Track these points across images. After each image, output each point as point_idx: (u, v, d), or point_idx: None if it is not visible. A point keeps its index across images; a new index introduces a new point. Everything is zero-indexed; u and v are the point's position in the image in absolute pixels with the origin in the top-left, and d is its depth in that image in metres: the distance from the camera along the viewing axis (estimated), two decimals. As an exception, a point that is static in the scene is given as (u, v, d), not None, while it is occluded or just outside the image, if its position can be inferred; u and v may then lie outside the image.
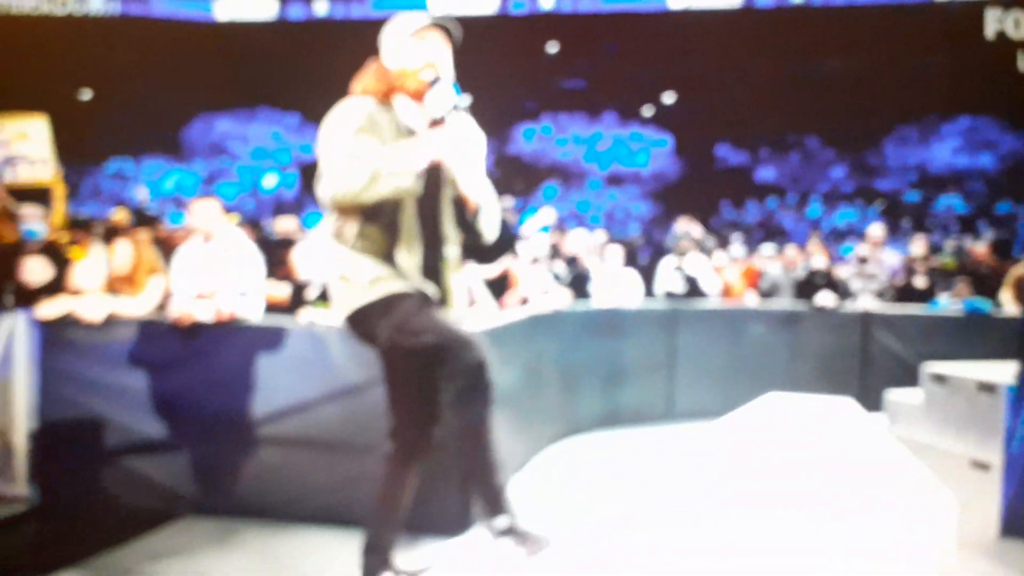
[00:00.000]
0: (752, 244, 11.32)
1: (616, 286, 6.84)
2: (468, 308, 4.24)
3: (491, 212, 2.69)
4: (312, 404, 3.90)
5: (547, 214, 7.23)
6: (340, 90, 2.62)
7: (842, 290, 6.92)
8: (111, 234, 5.69)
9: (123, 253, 4.55)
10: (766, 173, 21.27)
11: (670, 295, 6.93)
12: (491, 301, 5.41)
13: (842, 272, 7.45)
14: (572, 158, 22.05)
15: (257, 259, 4.42)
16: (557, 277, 6.51)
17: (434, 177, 2.57)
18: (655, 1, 21.76)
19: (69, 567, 3.33)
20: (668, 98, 21.85)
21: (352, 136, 2.45)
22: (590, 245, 7.53)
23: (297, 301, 4.87)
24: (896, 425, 4.39)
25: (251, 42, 20.80)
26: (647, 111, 21.94)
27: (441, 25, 2.59)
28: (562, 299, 6.09)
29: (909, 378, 4.60)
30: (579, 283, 6.67)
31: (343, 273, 2.54)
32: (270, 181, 21.89)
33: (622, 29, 21.41)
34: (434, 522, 3.54)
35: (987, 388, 3.89)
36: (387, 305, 2.49)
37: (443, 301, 2.61)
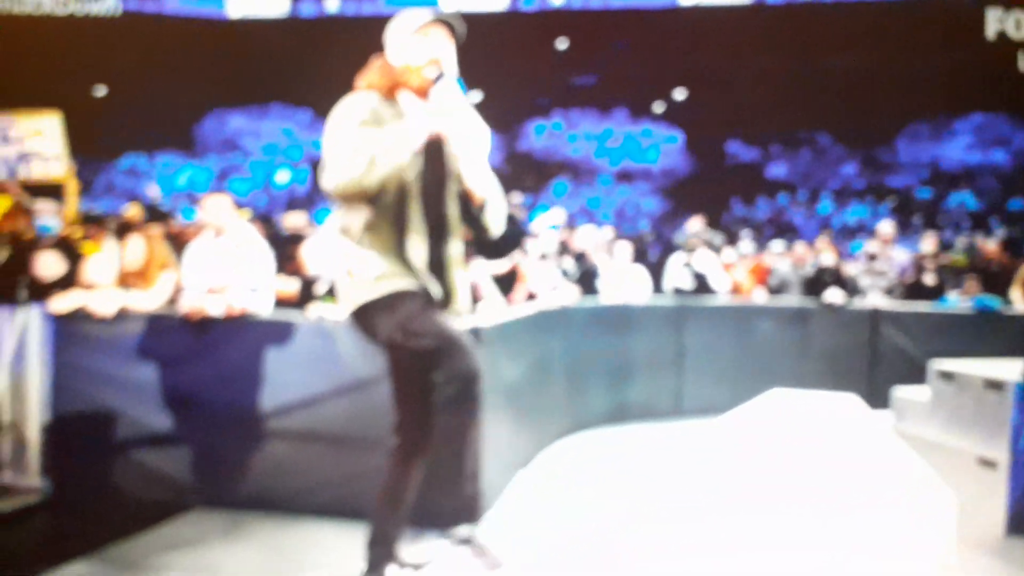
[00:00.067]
0: (763, 241, 11.30)
1: (624, 282, 6.85)
2: (474, 304, 4.26)
3: (496, 206, 2.71)
4: (320, 398, 3.94)
5: (556, 214, 7.24)
6: (351, 87, 2.66)
7: (851, 287, 6.91)
8: (124, 230, 5.74)
9: (135, 248, 4.60)
10: (777, 170, 21.18)
11: (678, 291, 6.94)
12: (499, 297, 5.43)
13: (851, 269, 7.43)
14: (583, 154, 22.03)
15: (267, 255, 4.46)
16: (565, 273, 6.52)
17: (439, 172, 2.59)
18: (666, -3, 21.71)
19: (81, 558, 3.37)
20: (679, 94, 21.79)
21: (355, 129, 2.48)
22: (598, 241, 7.54)
23: (306, 296, 4.91)
24: (903, 422, 4.39)
25: (263, 39, 20.88)
26: (658, 107, 21.89)
27: (445, 21, 2.61)
28: (570, 295, 6.10)
29: (918, 375, 4.58)
30: (587, 279, 6.68)
31: (349, 268, 2.56)
32: (282, 177, 21.98)
33: (633, 25, 21.36)
34: (439, 515, 3.56)
35: (994, 385, 3.88)
36: (391, 303, 2.51)
37: (447, 297, 2.64)
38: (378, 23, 2.81)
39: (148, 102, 19.39)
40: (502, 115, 17.92)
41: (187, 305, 4.16)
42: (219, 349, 4.09)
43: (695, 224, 8.30)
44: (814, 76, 20.04)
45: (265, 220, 9.47)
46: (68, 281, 4.62)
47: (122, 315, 4.16)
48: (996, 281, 7.12)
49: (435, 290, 2.57)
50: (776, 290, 7.20)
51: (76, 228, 6.57)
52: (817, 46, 19.95)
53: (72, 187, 7.76)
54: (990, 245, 8.72)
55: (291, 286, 5.02)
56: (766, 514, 2.46)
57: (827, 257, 7.15)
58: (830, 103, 19.62)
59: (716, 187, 19.80)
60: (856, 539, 2.40)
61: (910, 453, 2.91)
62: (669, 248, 8.74)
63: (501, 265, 5.60)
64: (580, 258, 7.01)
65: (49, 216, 5.71)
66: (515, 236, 5.99)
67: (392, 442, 2.63)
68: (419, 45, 2.59)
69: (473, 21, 2.65)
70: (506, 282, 5.61)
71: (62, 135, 7.64)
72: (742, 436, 2.94)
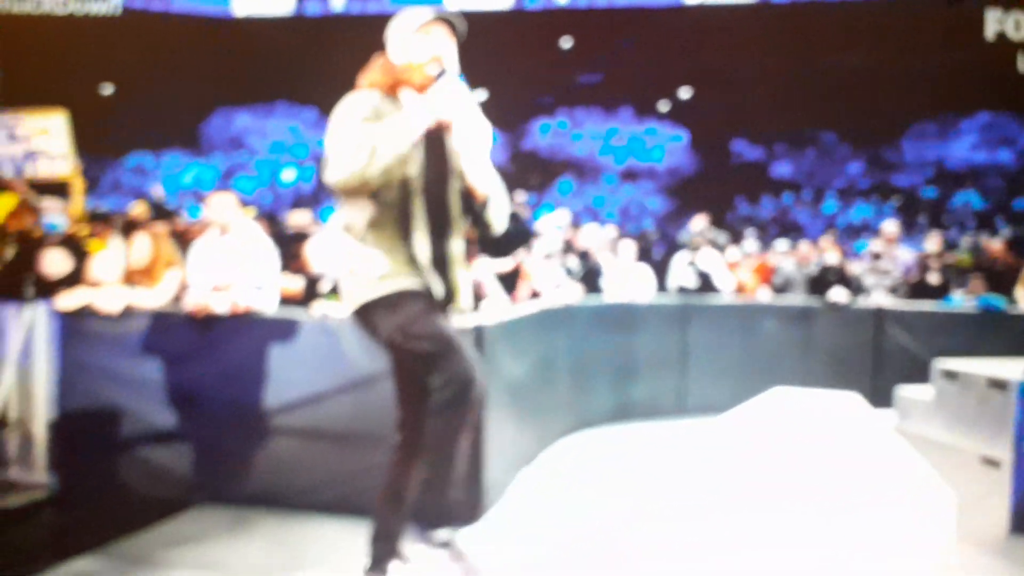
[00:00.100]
0: (767, 239, 11.29)
1: (628, 281, 6.85)
2: (478, 302, 4.28)
3: (499, 203, 2.72)
4: (324, 396, 3.95)
5: (561, 215, 7.26)
6: (357, 85, 2.67)
7: (855, 286, 6.91)
8: (129, 227, 5.77)
9: (141, 246, 4.62)
10: (782, 169, 21.13)
11: (683, 290, 6.94)
12: (503, 295, 5.44)
13: (856, 268, 7.43)
14: (587, 153, 22.01)
15: (272, 253, 4.48)
16: (569, 271, 6.53)
17: (441, 168, 2.60)
18: (671, -4, 21.69)
19: (87, 553, 3.39)
20: (684, 93, 21.75)
21: (357, 126, 2.49)
22: (603, 240, 7.54)
23: (310, 294, 4.93)
24: (907, 421, 4.39)
25: (269, 37, 20.90)
26: (663, 106, 21.85)
27: (446, 19, 2.62)
28: (574, 293, 6.11)
29: (922, 375, 4.57)
30: (591, 278, 6.69)
31: (352, 266, 2.58)
32: (288, 175, 22.01)
33: (638, 24, 21.33)
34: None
35: (998, 385, 3.88)
36: (393, 303, 2.52)
37: (450, 295, 2.65)
38: (383, 21, 2.82)
39: (154, 101, 19.43)
40: (507, 113, 17.89)
41: (192, 303, 4.17)
42: (224, 346, 4.11)
43: (699, 223, 8.30)
44: (819, 75, 19.98)
45: (270, 218, 9.49)
46: (74, 278, 4.64)
47: (128, 312, 4.18)
48: (1001, 280, 7.11)
49: (438, 288, 2.58)
50: (780, 289, 7.20)
51: (82, 226, 6.60)
52: (822, 45, 19.89)
53: (78, 185, 7.79)
54: (995, 244, 8.71)
55: (296, 284, 5.04)
56: (769, 512, 2.47)
57: (831, 256, 7.14)
58: (835, 102, 19.56)
59: (721, 186, 19.76)
60: (858, 537, 2.40)
61: (911, 452, 2.91)
62: (673, 247, 8.73)
63: (505, 263, 5.61)
64: (584, 256, 7.03)
65: (55, 214, 5.75)
66: (519, 234, 6.01)
67: (394, 439, 2.64)
68: (421, 43, 2.60)
69: (478, 19, 2.67)
70: (510, 280, 5.62)
71: (68, 133, 7.67)
72: (745, 434, 2.95)
